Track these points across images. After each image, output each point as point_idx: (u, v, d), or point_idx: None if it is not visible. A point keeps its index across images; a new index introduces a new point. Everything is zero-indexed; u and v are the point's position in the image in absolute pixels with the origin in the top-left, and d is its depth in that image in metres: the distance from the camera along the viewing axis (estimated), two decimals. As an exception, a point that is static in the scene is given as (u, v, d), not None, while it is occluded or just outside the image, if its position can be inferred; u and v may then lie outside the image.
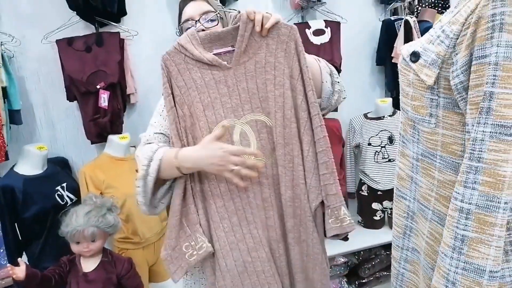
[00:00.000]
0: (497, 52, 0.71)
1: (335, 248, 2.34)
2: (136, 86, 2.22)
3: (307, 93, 1.09)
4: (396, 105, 2.48)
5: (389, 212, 2.51)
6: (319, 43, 2.26)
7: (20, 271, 1.42)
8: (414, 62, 0.88)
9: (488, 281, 0.78)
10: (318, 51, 2.26)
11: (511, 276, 0.85)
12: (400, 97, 0.98)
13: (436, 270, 0.86)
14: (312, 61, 1.15)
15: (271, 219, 1.13)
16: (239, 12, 1.12)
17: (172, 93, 1.10)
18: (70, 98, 2.03)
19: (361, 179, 2.56)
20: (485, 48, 0.73)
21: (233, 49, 1.09)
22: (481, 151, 0.75)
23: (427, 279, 0.97)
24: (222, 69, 1.08)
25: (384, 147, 2.44)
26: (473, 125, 0.76)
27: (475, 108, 0.76)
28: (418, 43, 0.90)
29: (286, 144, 1.10)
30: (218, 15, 1.19)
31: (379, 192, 2.47)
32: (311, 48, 2.24)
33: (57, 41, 1.94)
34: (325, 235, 1.16)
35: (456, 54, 0.79)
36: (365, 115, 2.53)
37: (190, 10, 1.23)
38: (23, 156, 1.88)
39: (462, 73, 0.78)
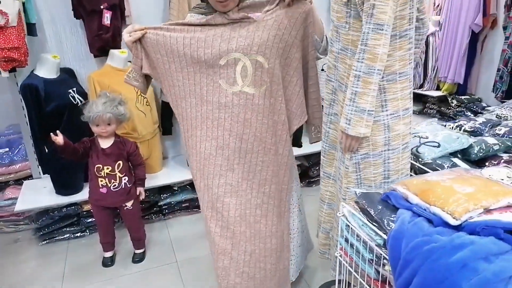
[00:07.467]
0: (377, -21, 1.25)
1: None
2: (130, 10, 2.61)
3: (310, 50, 1.57)
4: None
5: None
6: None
7: (60, 139, 1.93)
8: (337, -13, 1.41)
9: (367, 116, 1.38)
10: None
11: (384, 121, 1.45)
12: (331, 12, 1.52)
13: (341, 117, 1.45)
14: (320, 22, 1.56)
15: (246, 135, 1.52)
16: None
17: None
18: (77, 16, 2.41)
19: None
20: (372, -23, 1.26)
21: (263, 14, 1.48)
22: (367, 39, 1.31)
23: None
24: (250, 22, 1.46)
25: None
26: (364, 24, 1.32)
27: (365, 14, 1.31)
28: (342, -25, 1.43)
29: (278, 83, 1.54)
30: None
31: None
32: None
33: (66, -35, 2.28)
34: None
35: (358, -19, 1.32)
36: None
37: None
38: (41, 62, 2.30)
39: (361, -7, 1.32)
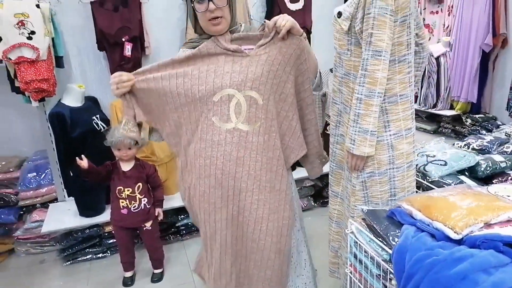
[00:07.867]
0: (374, 11, 1.35)
1: (304, 173, 2.96)
2: (149, 41, 2.79)
3: (306, 87, 1.53)
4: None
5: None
6: (294, 9, 2.85)
7: (85, 163, 2.06)
8: (339, 17, 1.52)
9: (370, 137, 1.45)
10: (293, 16, 2.85)
11: (387, 140, 1.52)
12: (333, 40, 1.62)
13: (346, 138, 1.53)
14: (314, 59, 1.55)
15: (239, 173, 1.46)
16: (264, 22, 1.48)
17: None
18: (101, 48, 2.60)
19: (326, 121, 3.23)
20: (369, 8, 1.37)
21: (256, 49, 1.45)
22: (367, 65, 1.40)
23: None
24: (243, 56, 1.44)
25: (346, 94, 3.09)
26: (363, 51, 1.41)
27: (365, 42, 1.40)
28: (343, 6, 1.53)
29: (272, 119, 1.49)
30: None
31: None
32: (286, 12, 2.83)
33: (92, 3, 2.49)
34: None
35: (358, 12, 1.43)
36: (331, 70, 3.16)
37: None
38: (68, 92, 2.48)
39: (360, 23, 1.42)
